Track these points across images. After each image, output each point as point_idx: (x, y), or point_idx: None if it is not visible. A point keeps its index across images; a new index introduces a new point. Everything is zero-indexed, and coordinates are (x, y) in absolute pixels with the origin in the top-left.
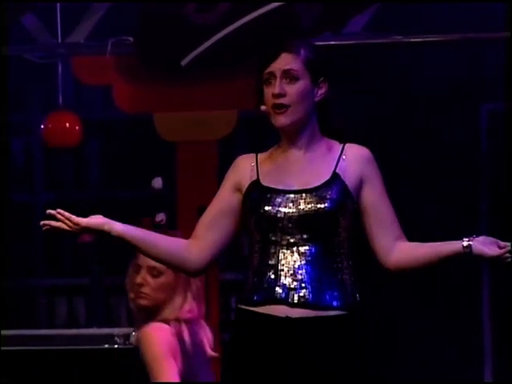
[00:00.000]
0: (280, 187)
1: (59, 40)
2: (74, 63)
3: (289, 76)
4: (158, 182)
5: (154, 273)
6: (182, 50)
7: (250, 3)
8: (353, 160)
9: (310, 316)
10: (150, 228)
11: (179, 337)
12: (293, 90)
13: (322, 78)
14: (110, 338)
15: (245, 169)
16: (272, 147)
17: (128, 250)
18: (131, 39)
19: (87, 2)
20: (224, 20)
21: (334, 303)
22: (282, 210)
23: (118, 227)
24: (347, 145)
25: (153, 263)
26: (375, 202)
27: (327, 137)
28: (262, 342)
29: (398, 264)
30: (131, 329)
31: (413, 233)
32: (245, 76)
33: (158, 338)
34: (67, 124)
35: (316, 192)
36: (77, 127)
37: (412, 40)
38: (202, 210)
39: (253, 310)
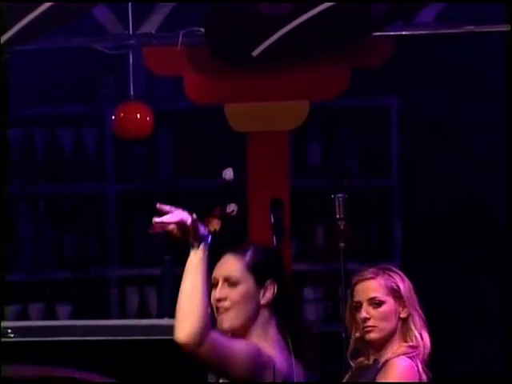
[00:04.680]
0: None
1: (131, 31)
2: (146, 54)
3: (229, 282)
4: (228, 173)
5: (375, 303)
6: (252, 40)
7: None
8: None
9: None
10: (221, 219)
11: (419, 374)
12: (233, 293)
13: (269, 281)
14: None
15: None
16: None
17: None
18: (202, 30)
19: None
20: (295, 11)
21: None
22: None
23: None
24: None
25: (372, 294)
26: None
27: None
28: None
29: None
30: None
31: None
32: (316, 67)
33: (407, 378)
34: (138, 115)
35: None
36: (148, 118)
37: (484, 30)
38: (275, 203)
39: None
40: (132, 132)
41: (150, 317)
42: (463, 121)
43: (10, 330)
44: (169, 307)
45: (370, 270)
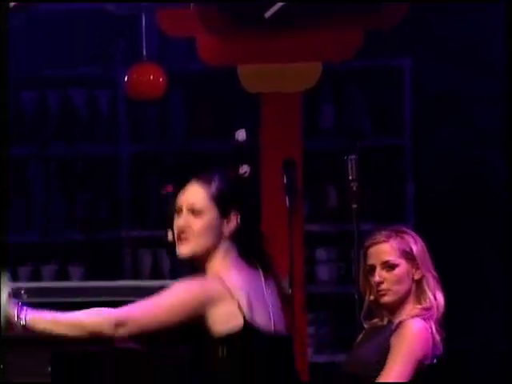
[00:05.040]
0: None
1: None
2: (159, 15)
3: (192, 211)
4: (241, 134)
5: (389, 266)
6: (265, 1)
7: None
8: None
9: None
10: (235, 178)
11: (432, 336)
12: (197, 223)
13: (232, 212)
14: None
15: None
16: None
17: None
18: None
19: None
20: None
21: None
22: None
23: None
24: None
25: (385, 258)
26: None
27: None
28: None
29: None
30: None
31: None
32: (329, 28)
33: (420, 340)
34: (151, 76)
35: None
36: (161, 79)
37: None
38: (287, 163)
39: None
40: (145, 93)
41: (163, 278)
42: (466, 95)
43: (23, 291)
44: (181, 269)
45: (383, 232)
